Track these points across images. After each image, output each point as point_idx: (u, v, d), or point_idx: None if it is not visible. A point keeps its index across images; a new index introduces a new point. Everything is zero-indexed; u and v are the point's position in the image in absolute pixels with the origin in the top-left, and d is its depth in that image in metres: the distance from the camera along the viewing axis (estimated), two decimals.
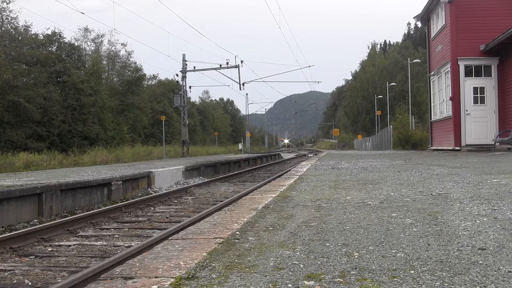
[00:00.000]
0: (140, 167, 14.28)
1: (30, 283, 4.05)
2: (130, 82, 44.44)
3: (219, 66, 28.69)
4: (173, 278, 1.88)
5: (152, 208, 8.60)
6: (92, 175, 10.45)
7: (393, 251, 2.22)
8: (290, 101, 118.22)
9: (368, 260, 2.07)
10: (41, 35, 34.76)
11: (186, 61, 28.48)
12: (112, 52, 44.80)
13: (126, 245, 5.44)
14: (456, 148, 16.16)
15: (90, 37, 43.86)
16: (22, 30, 32.89)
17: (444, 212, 3.29)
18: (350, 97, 73.27)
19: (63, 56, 35.78)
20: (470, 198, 3.96)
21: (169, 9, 30.10)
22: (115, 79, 45.04)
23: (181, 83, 28.84)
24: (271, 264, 2.05)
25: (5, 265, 4.68)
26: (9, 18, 32.20)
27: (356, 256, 2.14)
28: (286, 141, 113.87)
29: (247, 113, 59.78)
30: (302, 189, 5.17)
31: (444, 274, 1.83)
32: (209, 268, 2.01)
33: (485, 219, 2.96)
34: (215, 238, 2.65)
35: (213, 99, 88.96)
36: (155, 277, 1.89)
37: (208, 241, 2.58)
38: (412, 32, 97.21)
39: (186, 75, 28.62)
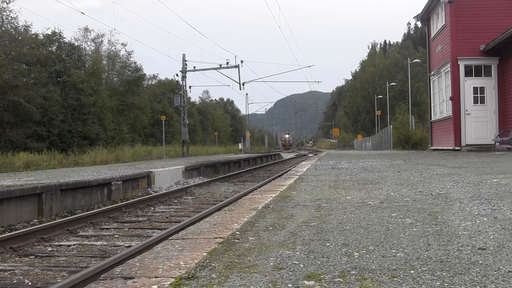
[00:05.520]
0: (140, 167, 14.28)
1: (30, 283, 4.05)
2: (130, 82, 44.40)
3: (219, 66, 28.70)
4: (173, 278, 1.88)
5: (152, 208, 8.60)
6: (92, 175, 10.45)
7: (393, 251, 2.22)
8: (290, 101, 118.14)
9: (368, 260, 2.07)
10: (41, 35, 34.71)
11: (186, 61, 28.49)
12: (112, 52, 44.79)
13: (126, 245, 5.44)
14: (456, 148, 16.16)
15: (90, 37, 43.84)
16: (22, 30, 32.84)
17: (444, 212, 3.29)
18: (350, 97, 73.28)
19: (63, 56, 35.74)
20: (470, 198, 3.95)
21: (169, 9, 30.16)
22: (115, 79, 45.00)
23: (181, 83, 28.85)
24: (271, 264, 2.05)
25: (5, 265, 4.68)
26: (9, 18, 32.17)
27: (356, 256, 2.14)
28: (287, 136, 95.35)
29: (247, 113, 59.81)
30: (302, 189, 5.17)
31: (444, 274, 1.83)
32: (209, 268, 2.01)
33: (485, 219, 2.96)
34: (215, 238, 2.65)
35: (213, 99, 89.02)
36: (155, 277, 1.89)
37: (208, 241, 2.58)
38: (412, 32, 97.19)
39: (186, 75, 28.63)
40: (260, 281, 1.80)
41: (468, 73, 16.46)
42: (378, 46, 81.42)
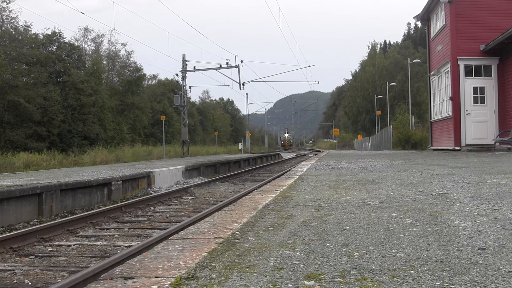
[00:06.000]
0: (140, 167, 14.28)
1: (30, 283, 4.05)
2: (130, 82, 44.40)
3: (219, 66, 28.70)
4: (173, 278, 1.88)
5: (152, 208, 8.60)
6: (92, 175, 10.45)
7: (393, 251, 2.22)
8: (290, 101, 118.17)
9: (368, 260, 2.07)
10: (41, 35, 34.71)
11: (186, 61, 28.48)
12: (112, 52, 44.78)
13: (126, 245, 5.44)
14: (456, 148, 16.15)
15: (90, 37, 43.85)
16: (22, 30, 32.82)
17: (444, 212, 3.29)
18: (350, 97, 73.29)
19: (63, 56, 35.73)
20: (470, 198, 3.95)
21: (169, 9, 30.19)
22: (115, 79, 45.00)
23: (181, 83, 28.85)
24: (271, 264, 2.05)
25: (5, 265, 4.68)
26: (9, 18, 32.13)
27: (356, 256, 2.14)
28: (286, 135, 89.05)
29: (247, 113, 59.86)
30: (302, 189, 5.17)
31: (444, 274, 1.83)
32: (209, 268, 2.01)
33: (485, 219, 2.96)
34: (215, 238, 2.65)
35: (213, 99, 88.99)
36: (155, 277, 1.89)
37: (208, 241, 2.58)
38: (412, 32, 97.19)
39: (186, 75, 28.62)
40: (260, 281, 1.80)
41: (468, 73, 16.46)
42: (378, 46, 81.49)
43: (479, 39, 16.02)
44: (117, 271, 2.01)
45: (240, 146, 47.08)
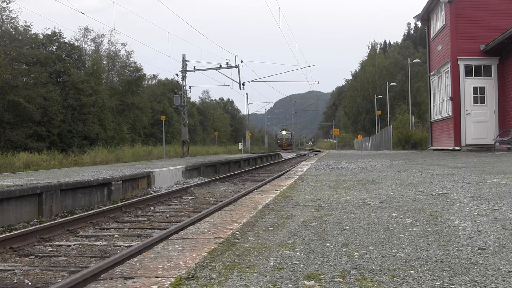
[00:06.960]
0: (140, 167, 14.28)
1: (30, 283, 4.05)
2: (130, 82, 44.43)
3: (219, 66, 28.70)
4: (173, 278, 1.88)
5: (152, 208, 8.60)
6: (92, 175, 10.45)
7: (393, 251, 2.22)
8: (290, 101, 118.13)
9: (368, 260, 2.07)
10: (41, 35, 34.75)
11: (186, 61, 28.49)
12: (112, 52, 44.82)
13: (126, 245, 5.44)
14: (456, 148, 16.16)
15: (90, 37, 43.90)
16: (22, 30, 32.83)
17: (444, 212, 3.29)
18: (350, 97, 73.30)
19: (63, 56, 35.75)
20: (470, 198, 3.95)
21: (169, 9, 30.21)
22: (115, 79, 45.03)
23: (181, 83, 28.86)
24: (271, 264, 2.05)
25: (5, 265, 4.68)
26: (9, 18, 32.15)
27: (356, 256, 2.14)
28: (284, 132, 79.46)
29: (247, 113, 59.88)
30: (302, 189, 5.17)
31: (444, 274, 1.83)
32: (209, 268, 2.01)
33: (485, 219, 2.96)
34: (215, 238, 2.65)
35: (213, 99, 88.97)
36: (155, 277, 1.89)
37: (208, 241, 2.58)
38: (412, 32, 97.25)
39: (186, 75, 28.63)
40: (260, 281, 1.80)
41: (468, 73, 16.46)
42: (378, 46, 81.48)
43: (479, 39, 16.02)
44: (117, 271, 2.01)
45: (240, 146, 47.09)
